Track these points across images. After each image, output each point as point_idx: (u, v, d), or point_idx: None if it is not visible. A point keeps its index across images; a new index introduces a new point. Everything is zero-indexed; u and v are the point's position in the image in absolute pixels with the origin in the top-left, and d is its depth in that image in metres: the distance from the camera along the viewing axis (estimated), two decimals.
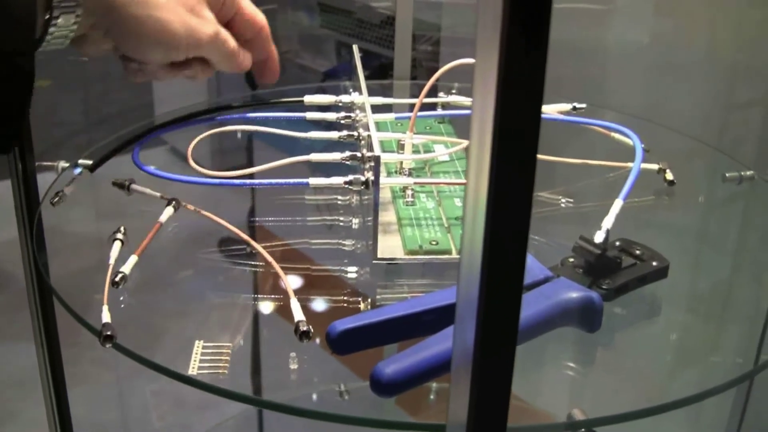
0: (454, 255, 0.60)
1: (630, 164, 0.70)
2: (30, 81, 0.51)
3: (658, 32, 1.13)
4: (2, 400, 1.53)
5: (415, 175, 0.70)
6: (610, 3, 1.16)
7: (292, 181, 0.67)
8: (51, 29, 0.55)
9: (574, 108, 0.82)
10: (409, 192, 0.67)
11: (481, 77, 0.28)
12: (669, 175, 0.73)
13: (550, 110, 0.81)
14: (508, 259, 0.30)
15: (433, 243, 0.61)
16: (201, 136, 0.77)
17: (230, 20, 0.68)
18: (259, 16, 0.70)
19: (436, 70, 0.77)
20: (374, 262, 0.61)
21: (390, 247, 0.61)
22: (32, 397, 1.39)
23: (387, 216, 0.65)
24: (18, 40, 0.50)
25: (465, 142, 0.73)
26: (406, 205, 0.66)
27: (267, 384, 0.59)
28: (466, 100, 0.83)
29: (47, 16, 0.54)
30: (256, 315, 0.64)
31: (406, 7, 0.93)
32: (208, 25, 0.64)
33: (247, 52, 0.70)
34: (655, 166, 0.74)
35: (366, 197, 0.69)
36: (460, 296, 0.32)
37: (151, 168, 0.72)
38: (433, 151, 0.74)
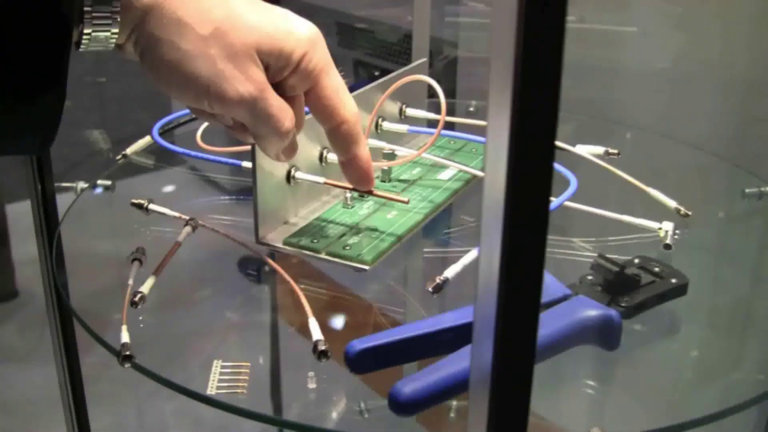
0: (321, 255, 0.62)
1: (655, 224, 0.68)
2: (63, 83, 0.47)
3: (676, 49, 1.13)
4: (22, 420, 1.53)
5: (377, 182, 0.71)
6: (628, 23, 1.16)
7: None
8: (84, 39, 0.50)
9: (607, 153, 0.78)
10: (348, 195, 0.68)
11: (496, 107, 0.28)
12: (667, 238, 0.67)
13: (584, 152, 0.78)
14: (526, 278, 0.30)
15: (314, 241, 0.62)
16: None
17: (308, 102, 0.57)
18: (340, 109, 0.57)
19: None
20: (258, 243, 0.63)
21: (276, 235, 0.64)
22: (51, 417, 1.39)
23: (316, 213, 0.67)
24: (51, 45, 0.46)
25: (410, 154, 0.73)
26: (343, 208, 0.68)
27: (286, 403, 0.59)
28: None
29: (81, 28, 0.50)
30: (275, 334, 0.64)
31: (422, 24, 0.93)
32: (243, 82, 0.52)
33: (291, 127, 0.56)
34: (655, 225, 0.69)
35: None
36: (477, 315, 0.32)
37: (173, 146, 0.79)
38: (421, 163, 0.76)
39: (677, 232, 0.67)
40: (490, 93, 0.29)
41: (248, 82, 0.52)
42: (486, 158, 0.30)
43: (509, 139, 0.28)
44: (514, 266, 0.30)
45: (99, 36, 0.50)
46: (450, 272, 0.60)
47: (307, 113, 0.59)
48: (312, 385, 0.55)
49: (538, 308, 0.31)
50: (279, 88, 0.54)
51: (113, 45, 0.52)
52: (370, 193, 0.63)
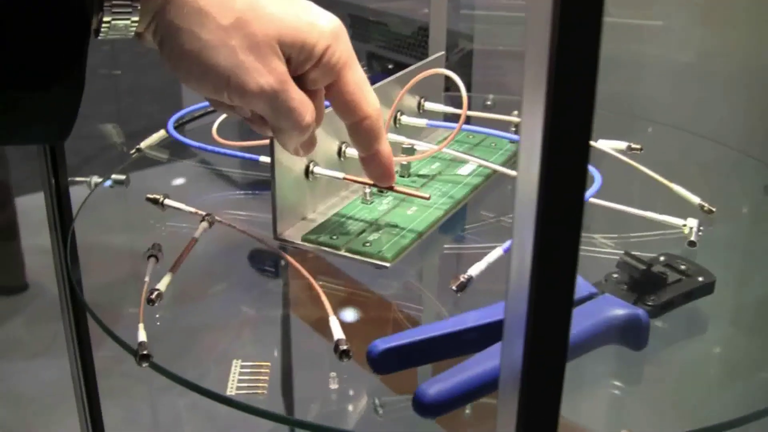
0: (341, 252, 0.60)
1: (680, 221, 0.67)
2: (81, 80, 0.47)
3: (700, 43, 1.11)
4: (31, 414, 1.53)
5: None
6: (653, 17, 1.15)
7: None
8: (104, 27, 0.49)
9: (630, 148, 0.77)
10: (367, 191, 0.67)
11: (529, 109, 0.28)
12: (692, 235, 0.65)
13: (606, 147, 0.77)
14: (559, 275, 0.30)
15: (334, 238, 0.61)
16: (224, 116, 0.77)
17: (330, 97, 0.56)
18: (362, 104, 0.55)
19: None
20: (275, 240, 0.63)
21: (294, 231, 0.63)
22: (60, 411, 1.39)
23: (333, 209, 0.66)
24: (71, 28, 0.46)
25: (431, 148, 0.72)
26: (362, 204, 0.66)
27: (305, 403, 0.58)
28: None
29: (100, 16, 0.49)
30: (293, 332, 0.63)
31: (439, 18, 0.92)
32: (264, 74, 0.51)
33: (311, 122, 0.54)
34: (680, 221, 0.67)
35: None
36: (508, 313, 0.31)
37: (188, 140, 0.80)
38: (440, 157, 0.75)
39: (701, 228, 0.66)
40: (524, 88, 0.28)
41: (269, 74, 0.51)
42: (519, 154, 0.29)
43: (543, 134, 0.28)
44: (547, 263, 0.29)
45: (118, 24, 0.49)
46: (474, 270, 0.58)
47: (326, 107, 0.58)
48: (328, 384, 0.54)
49: (571, 306, 0.30)
50: (300, 81, 0.53)
51: (132, 34, 0.51)
52: (392, 189, 0.62)
